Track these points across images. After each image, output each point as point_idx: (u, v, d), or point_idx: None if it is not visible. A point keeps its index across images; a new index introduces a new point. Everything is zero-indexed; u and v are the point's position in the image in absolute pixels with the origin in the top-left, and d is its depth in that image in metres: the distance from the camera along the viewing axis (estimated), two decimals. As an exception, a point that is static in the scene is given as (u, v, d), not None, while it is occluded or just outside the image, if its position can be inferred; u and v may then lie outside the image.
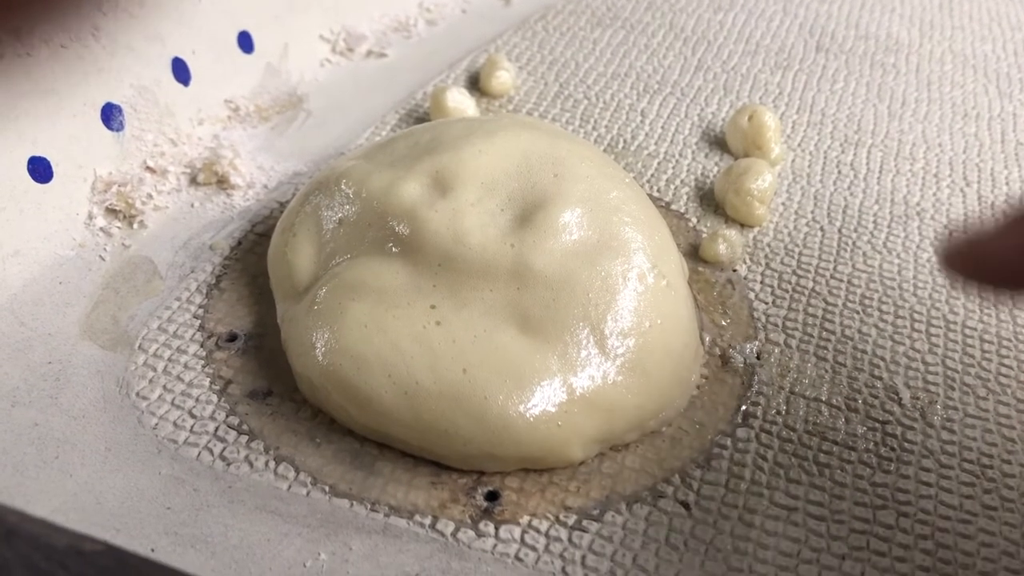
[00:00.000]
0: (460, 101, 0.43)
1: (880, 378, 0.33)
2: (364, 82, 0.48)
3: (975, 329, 0.35)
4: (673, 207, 0.40)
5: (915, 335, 0.34)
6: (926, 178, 0.43)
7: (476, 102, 0.45)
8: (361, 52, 0.50)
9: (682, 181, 0.41)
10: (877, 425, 0.31)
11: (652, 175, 0.42)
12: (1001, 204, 0.42)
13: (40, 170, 0.35)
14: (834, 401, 0.32)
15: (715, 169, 0.42)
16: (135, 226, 0.37)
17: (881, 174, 0.43)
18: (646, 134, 0.45)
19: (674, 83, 0.49)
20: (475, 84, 0.47)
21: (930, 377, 0.33)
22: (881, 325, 0.35)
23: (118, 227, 0.37)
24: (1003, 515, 0.29)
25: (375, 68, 0.49)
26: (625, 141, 0.44)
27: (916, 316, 0.35)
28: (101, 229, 0.37)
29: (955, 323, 0.35)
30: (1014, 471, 0.30)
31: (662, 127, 0.45)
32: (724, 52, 0.52)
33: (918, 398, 0.32)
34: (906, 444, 0.31)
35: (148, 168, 0.39)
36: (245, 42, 0.45)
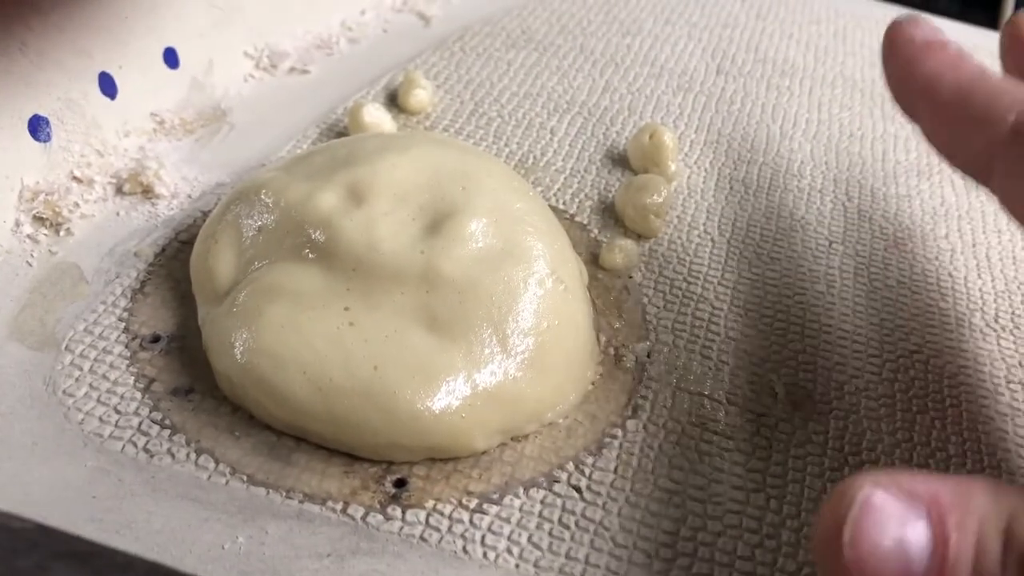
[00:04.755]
0: (377, 117, 0.46)
1: (758, 375, 0.36)
2: (286, 97, 0.50)
3: (847, 332, 0.38)
4: (577, 219, 0.43)
5: (791, 336, 0.38)
6: (811, 194, 0.47)
7: (394, 118, 0.47)
8: (284, 68, 0.52)
9: (586, 195, 0.44)
10: (754, 417, 0.34)
11: (559, 189, 0.45)
12: (879, 219, 0.45)
13: (-32, 179, 0.37)
14: (716, 395, 0.35)
15: (616, 184, 0.45)
16: (62, 233, 0.38)
17: (770, 190, 0.47)
18: (554, 151, 0.47)
19: (582, 103, 0.52)
20: (394, 101, 0.50)
21: (802, 374, 0.36)
22: (761, 327, 0.38)
23: (45, 234, 0.38)
24: (861, 496, 0.32)
25: (297, 84, 0.51)
26: (535, 157, 0.47)
27: (794, 320, 0.39)
28: (28, 236, 0.38)
29: (829, 326, 0.39)
30: (876, 457, 0.33)
31: (569, 144, 0.48)
32: (630, 74, 0.55)
33: (792, 393, 0.35)
34: (779, 435, 0.34)
35: (75, 178, 0.40)
36: (171, 58, 0.46)
